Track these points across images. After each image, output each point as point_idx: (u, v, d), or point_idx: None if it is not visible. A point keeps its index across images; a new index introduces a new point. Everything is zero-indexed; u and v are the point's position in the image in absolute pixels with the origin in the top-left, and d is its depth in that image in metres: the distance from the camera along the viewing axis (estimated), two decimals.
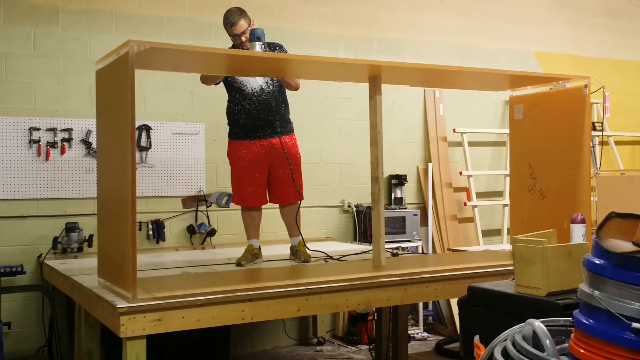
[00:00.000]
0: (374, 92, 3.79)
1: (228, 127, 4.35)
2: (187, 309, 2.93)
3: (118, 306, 2.81)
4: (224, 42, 5.45)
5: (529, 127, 4.45)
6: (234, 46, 4.16)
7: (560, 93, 4.23)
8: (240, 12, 4.06)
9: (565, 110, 4.19)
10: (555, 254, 2.56)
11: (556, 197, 4.26)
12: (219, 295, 3.01)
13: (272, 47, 4.17)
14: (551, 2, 6.95)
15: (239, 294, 3.07)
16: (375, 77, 3.78)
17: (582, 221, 3.21)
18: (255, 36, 3.76)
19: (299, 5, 5.74)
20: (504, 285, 2.79)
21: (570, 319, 1.91)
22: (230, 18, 4.04)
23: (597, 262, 1.76)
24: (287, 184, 4.25)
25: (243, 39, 4.04)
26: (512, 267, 2.79)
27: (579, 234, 3.14)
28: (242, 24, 4.03)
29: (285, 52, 4.21)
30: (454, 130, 6.21)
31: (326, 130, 5.85)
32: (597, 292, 1.72)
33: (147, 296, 2.88)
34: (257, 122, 4.20)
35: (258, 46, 3.72)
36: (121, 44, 2.94)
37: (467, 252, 4.95)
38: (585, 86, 4.06)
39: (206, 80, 4.19)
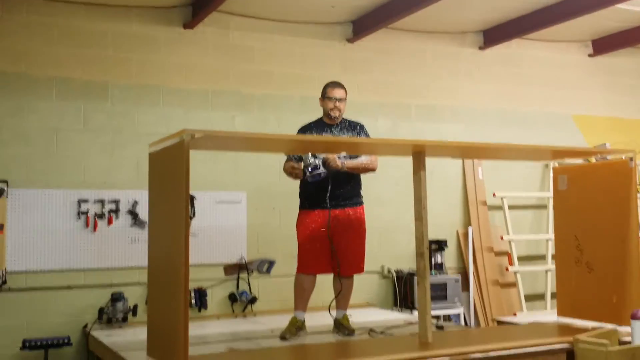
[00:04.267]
0: (418, 167, 3.82)
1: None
2: None
3: None
4: (268, 113, 5.60)
5: (573, 198, 4.42)
6: (324, 112, 4.33)
7: (605, 165, 4.21)
8: (344, 86, 4.37)
9: (610, 182, 4.17)
10: (619, 357, 2.51)
11: (604, 270, 4.19)
12: None
13: (353, 125, 4.36)
14: (588, 65, 6.98)
15: None
16: (419, 154, 3.81)
17: None
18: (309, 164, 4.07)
19: (338, 75, 5.83)
20: None
21: None
22: (337, 82, 4.37)
23: None
24: (348, 256, 4.28)
25: (337, 104, 4.27)
26: (561, 345, 2.72)
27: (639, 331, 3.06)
28: (342, 93, 4.32)
29: (366, 132, 4.37)
30: (494, 194, 6.19)
31: (366, 196, 5.85)
32: None
33: None
34: (323, 193, 4.24)
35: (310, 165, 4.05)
36: (176, 132, 3.04)
37: (513, 325, 4.86)
38: (631, 159, 4.04)
39: (292, 177, 4.32)
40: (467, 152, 4.13)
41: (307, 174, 4.10)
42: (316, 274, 4.31)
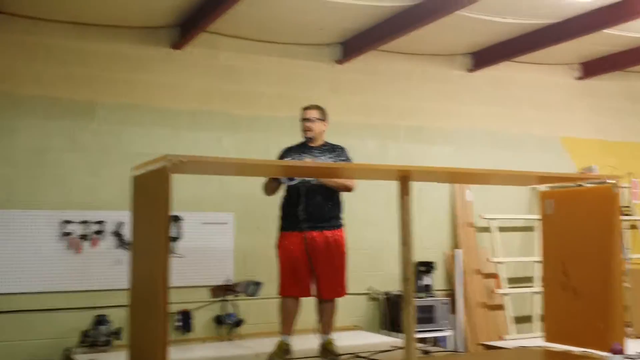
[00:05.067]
0: (404, 192, 3.81)
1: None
2: None
3: None
4: (256, 134, 5.60)
5: (560, 223, 4.41)
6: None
7: (590, 190, 4.22)
8: (320, 108, 4.45)
9: (595, 208, 4.17)
10: None
11: (590, 296, 4.18)
12: None
13: (333, 147, 4.40)
14: (575, 88, 7.02)
15: None
16: (404, 178, 3.80)
17: (621, 351, 3.15)
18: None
19: (327, 96, 5.85)
20: None
21: None
22: (312, 104, 4.45)
23: None
24: (326, 280, 4.25)
25: (308, 124, 4.35)
26: None
27: None
28: (315, 113, 4.38)
29: (347, 155, 4.40)
30: (482, 216, 6.18)
31: (354, 218, 5.81)
32: None
33: None
34: (303, 215, 4.25)
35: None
36: (159, 157, 3.02)
37: (500, 350, 4.83)
38: (615, 185, 4.04)
39: (268, 192, 4.36)
40: (454, 177, 4.14)
41: (284, 181, 4.20)
42: (298, 297, 4.27)
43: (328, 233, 4.28)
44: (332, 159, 4.31)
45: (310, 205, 4.25)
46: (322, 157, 4.31)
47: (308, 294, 4.29)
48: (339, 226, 4.38)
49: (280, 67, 5.71)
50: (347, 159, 4.39)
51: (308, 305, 4.55)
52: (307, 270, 4.25)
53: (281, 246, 4.33)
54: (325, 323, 4.29)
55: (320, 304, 4.30)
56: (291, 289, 4.25)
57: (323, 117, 4.41)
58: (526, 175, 4.06)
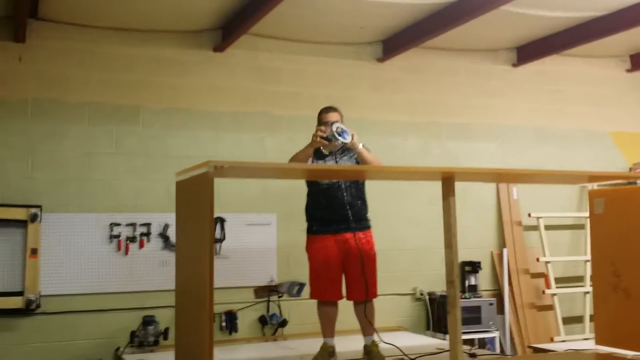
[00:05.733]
0: (448, 193, 3.73)
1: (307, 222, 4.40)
2: None
3: None
4: (297, 133, 5.59)
5: (610, 222, 4.27)
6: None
7: None
8: (338, 109, 4.34)
9: None
10: None
11: None
12: None
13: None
14: (625, 81, 6.79)
15: None
16: (448, 179, 3.74)
17: None
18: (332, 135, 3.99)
19: (368, 95, 5.83)
20: None
21: None
22: (330, 106, 4.36)
23: None
24: (359, 281, 4.22)
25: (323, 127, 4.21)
26: None
27: None
28: (337, 116, 4.28)
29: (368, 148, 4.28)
30: (529, 215, 6.05)
31: (398, 217, 5.80)
32: None
33: None
34: (332, 217, 4.24)
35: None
36: (201, 163, 3.05)
37: (549, 353, 4.72)
38: None
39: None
40: (499, 177, 4.05)
41: (334, 139, 4.02)
42: (336, 301, 4.26)
43: (360, 234, 4.25)
44: (354, 157, 4.26)
45: (337, 206, 4.21)
46: (344, 158, 4.28)
47: (341, 297, 4.29)
48: (368, 227, 4.35)
49: (320, 66, 5.69)
50: (368, 149, 4.28)
51: (350, 306, 4.55)
52: (340, 273, 4.25)
53: (312, 249, 4.32)
54: (364, 325, 4.26)
55: (358, 306, 4.27)
56: (328, 293, 4.24)
57: (341, 118, 4.31)
58: (574, 175, 3.93)
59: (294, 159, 4.20)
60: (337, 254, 4.24)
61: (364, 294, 4.23)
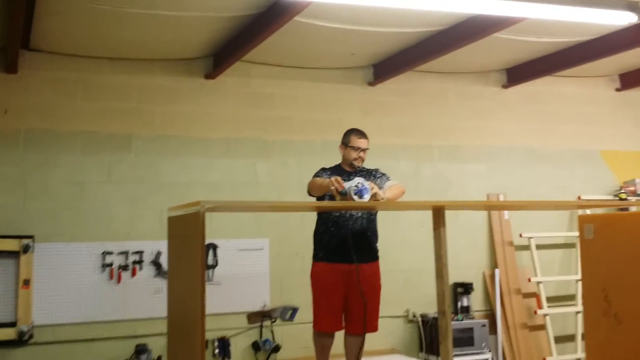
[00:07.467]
0: (438, 224, 3.76)
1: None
2: None
3: None
4: (289, 158, 5.61)
5: (600, 248, 4.29)
6: (345, 159, 4.25)
7: (632, 215, 4.10)
8: (367, 136, 4.29)
9: (638, 233, 4.05)
10: None
11: (634, 324, 4.05)
12: None
13: (370, 172, 4.25)
14: (615, 100, 6.86)
15: None
16: (438, 210, 3.77)
17: None
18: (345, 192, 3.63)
19: (359, 118, 5.85)
20: None
21: None
22: (362, 132, 4.29)
23: None
24: (357, 314, 4.16)
25: (362, 154, 4.21)
26: None
27: None
28: (367, 143, 4.26)
29: (383, 173, 4.26)
30: (521, 235, 6.09)
31: (390, 238, 5.78)
32: None
33: None
34: (338, 247, 4.15)
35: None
36: (192, 202, 3.07)
37: None
38: None
39: (314, 193, 4.07)
40: (490, 208, 4.06)
41: (352, 194, 3.55)
42: (333, 332, 4.25)
43: (365, 266, 4.16)
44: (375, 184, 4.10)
45: (347, 237, 4.12)
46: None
47: (340, 328, 4.24)
48: (375, 258, 4.28)
49: (312, 91, 5.73)
50: (387, 179, 4.24)
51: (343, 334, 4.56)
52: (341, 305, 4.18)
53: (315, 277, 4.25)
54: (356, 356, 4.23)
55: (351, 338, 4.22)
56: (327, 324, 4.19)
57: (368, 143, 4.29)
58: (565, 204, 3.96)
59: (314, 182, 4.02)
60: (339, 285, 4.15)
61: (361, 329, 4.16)
